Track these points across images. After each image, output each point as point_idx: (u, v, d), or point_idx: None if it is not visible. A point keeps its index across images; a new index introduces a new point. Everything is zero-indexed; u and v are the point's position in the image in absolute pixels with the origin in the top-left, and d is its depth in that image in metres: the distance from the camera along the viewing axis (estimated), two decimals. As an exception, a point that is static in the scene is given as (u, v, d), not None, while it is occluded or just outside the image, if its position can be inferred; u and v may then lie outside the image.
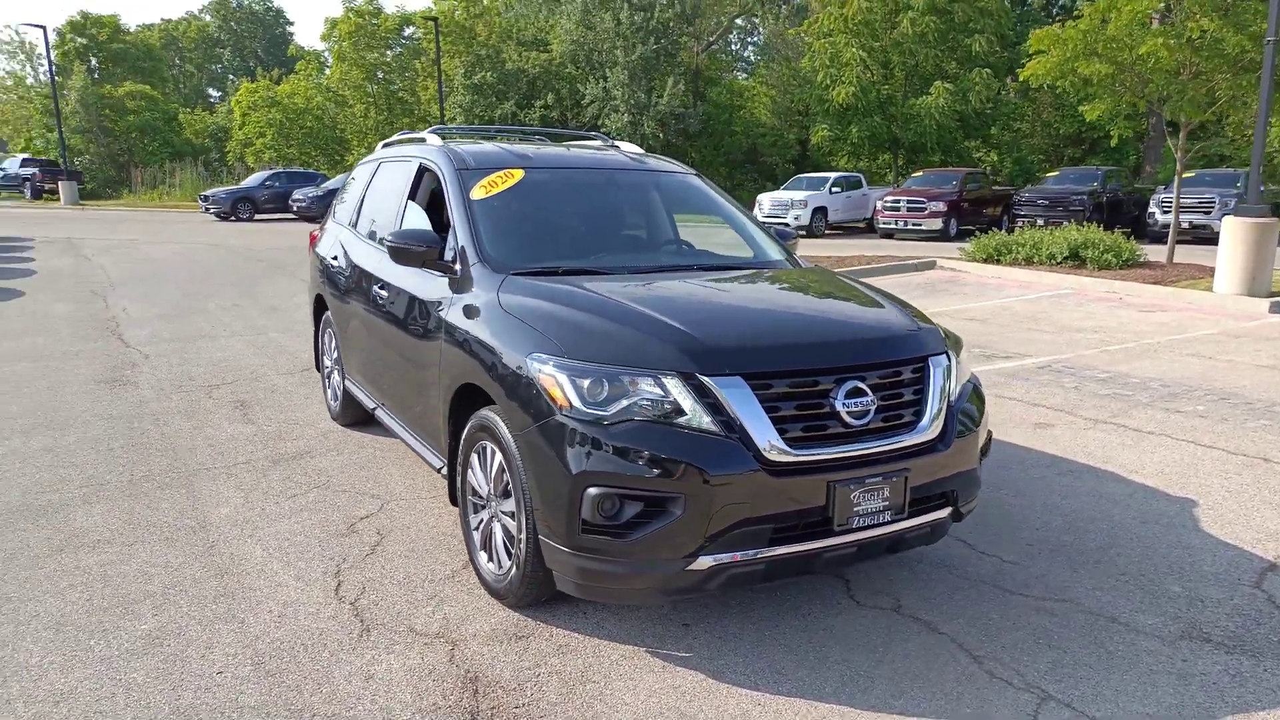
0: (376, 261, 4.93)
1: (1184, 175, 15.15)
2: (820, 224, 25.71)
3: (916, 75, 32.39)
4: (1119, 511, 4.73)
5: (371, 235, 5.24)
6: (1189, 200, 19.64)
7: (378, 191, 5.45)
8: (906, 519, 3.31)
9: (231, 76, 73.62)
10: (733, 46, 47.06)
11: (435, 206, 4.66)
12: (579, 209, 4.63)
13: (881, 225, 24.40)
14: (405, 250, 4.06)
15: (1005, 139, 34.35)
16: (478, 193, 4.32)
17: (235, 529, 4.32)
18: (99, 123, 44.72)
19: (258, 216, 30.27)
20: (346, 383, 5.69)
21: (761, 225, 4.94)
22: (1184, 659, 3.29)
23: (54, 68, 42.96)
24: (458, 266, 4.01)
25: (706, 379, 3.05)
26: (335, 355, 5.95)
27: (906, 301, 4.03)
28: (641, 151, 5.43)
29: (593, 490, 2.99)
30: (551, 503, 3.10)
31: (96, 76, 49.34)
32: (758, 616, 3.56)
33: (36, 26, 38.72)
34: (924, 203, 23.62)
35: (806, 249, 19.83)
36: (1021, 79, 15.47)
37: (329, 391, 6.22)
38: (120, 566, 3.88)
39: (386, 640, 3.32)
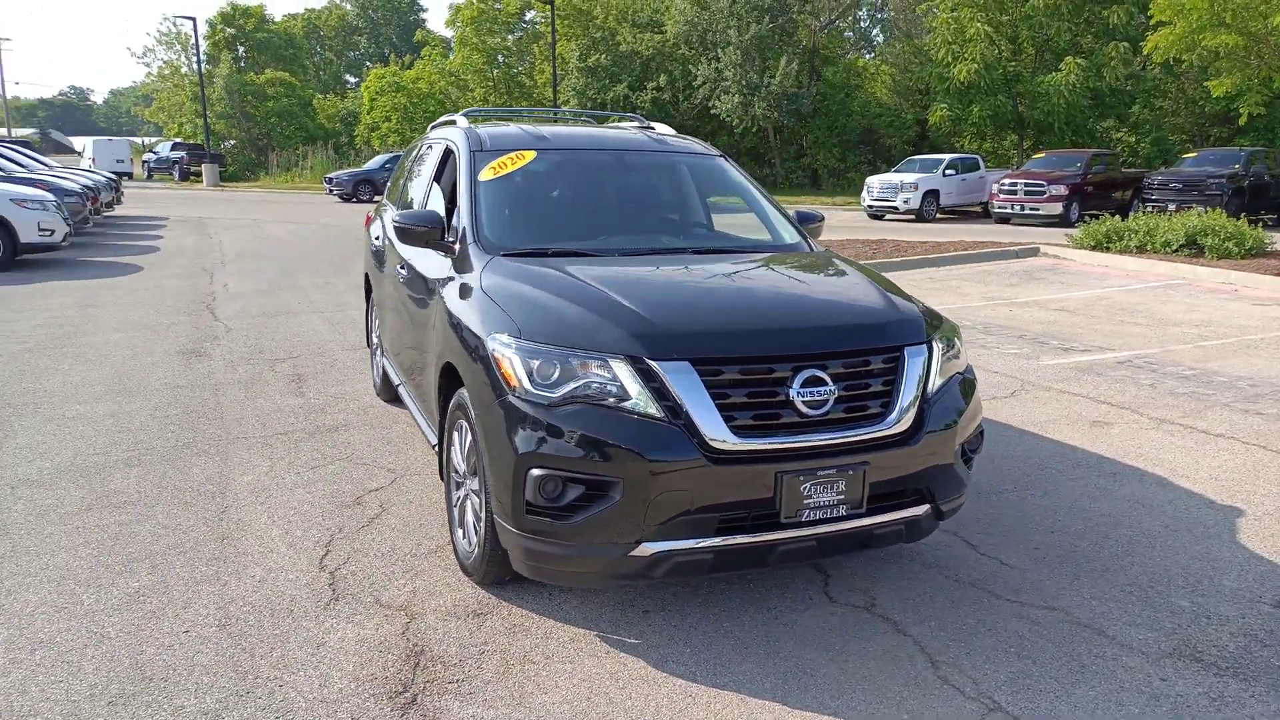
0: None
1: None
2: (931, 208, 24.83)
3: (1047, 50, 30.78)
4: (1149, 518, 4.42)
5: None
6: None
7: (416, 173, 5.60)
8: (868, 515, 3.19)
9: (368, 63, 76.58)
10: (862, 24, 45.56)
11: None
12: (587, 190, 4.64)
13: (997, 210, 23.36)
14: (408, 230, 4.16)
15: (1145, 118, 32.22)
16: (486, 174, 4.38)
17: (251, 496, 4.55)
18: (241, 109, 47.43)
19: (377, 198, 31.45)
20: (383, 360, 5.89)
21: (780, 208, 4.82)
22: (1163, 678, 3.06)
23: (204, 56, 45.72)
24: (458, 247, 4.09)
25: (654, 363, 3.01)
26: (377, 333, 6.16)
27: (904, 292, 3.86)
28: (672, 133, 5.37)
29: (536, 471, 3.00)
30: (501, 482, 3.14)
31: (242, 65, 52.25)
32: (721, 607, 3.51)
33: (187, 18, 41.10)
34: (1043, 186, 22.46)
35: (912, 234, 19.24)
36: (1145, 51, 14.49)
37: (375, 368, 6.45)
38: (134, 527, 4.15)
39: (350, 610, 3.44)
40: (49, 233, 12.80)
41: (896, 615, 3.47)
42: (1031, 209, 22.57)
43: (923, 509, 3.37)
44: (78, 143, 52.85)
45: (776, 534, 3.09)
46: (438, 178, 4.94)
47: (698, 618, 3.43)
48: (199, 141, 46.01)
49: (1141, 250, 13.78)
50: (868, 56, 42.95)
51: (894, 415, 3.21)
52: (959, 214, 26.06)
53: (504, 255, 3.88)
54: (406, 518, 4.31)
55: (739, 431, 3.01)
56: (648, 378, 3.00)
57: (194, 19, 40.76)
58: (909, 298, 3.80)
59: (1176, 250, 13.38)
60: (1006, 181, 23.33)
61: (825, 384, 3.11)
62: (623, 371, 3.01)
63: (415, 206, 5.13)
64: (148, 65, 69.75)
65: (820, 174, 37.05)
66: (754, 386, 3.07)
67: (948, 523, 4.24)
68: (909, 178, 25.03)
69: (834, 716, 2.86)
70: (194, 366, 7.22)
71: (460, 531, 3.75)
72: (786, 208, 5.05)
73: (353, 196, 31.23)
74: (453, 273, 4.02)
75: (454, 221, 4.24)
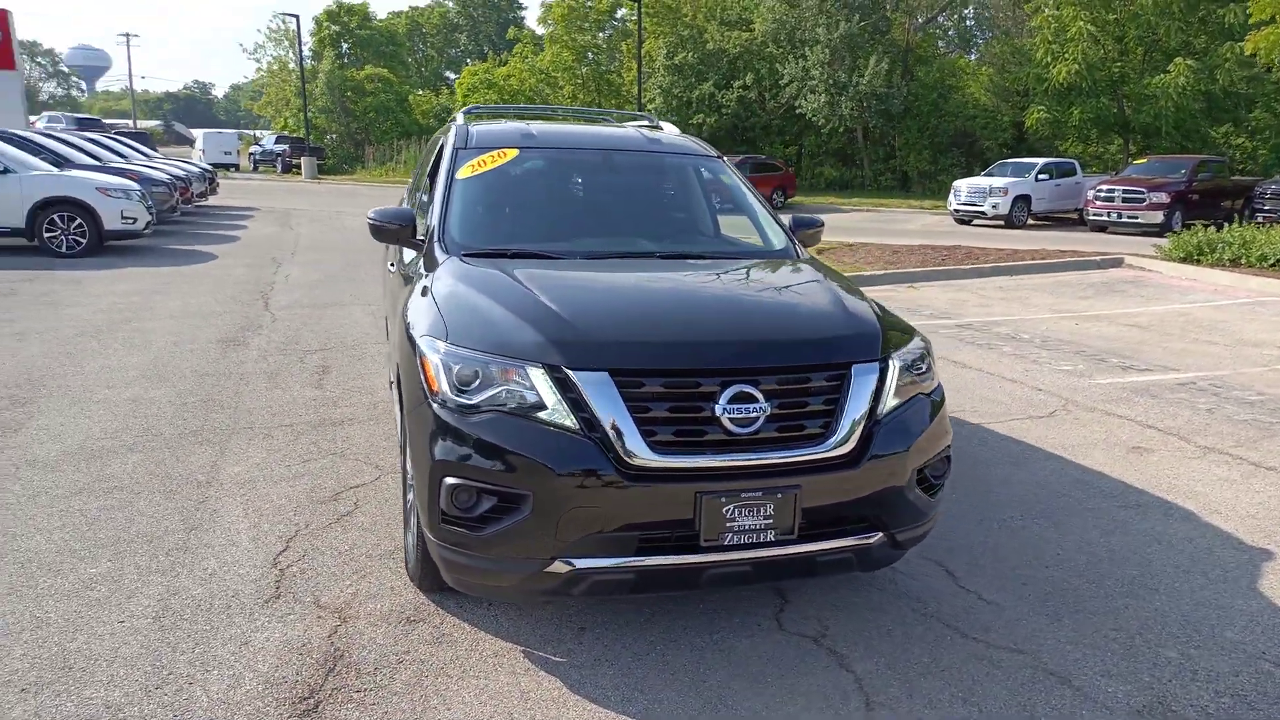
0: None
1: None
2: (1022, 214, 23.82)
3: (1156, 51, 29.22)
4: (1163, 557, 4.07)
5: None
6: None
7: (424, 170, 5.59)
8: (802, 541, 3.00)
9: (467, 60, 78.16)
10: (967, 22, 43.84)
11: None
12: (564, 189, 4.54)
13: (1092, 217, 22.25)
14: (380, 228, 4.14)
15: (1267, 123, 30.19)
16: (464, 171, 4.32)
17: (234, 487, 4.60)
18: (341, 103, 48.98)
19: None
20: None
21: (772, 213, 4.62)
22: (1120, 740, 2.78)
23: (308, 52, 47.35)
24: (425, 245, 4.04)
25: (571, 373, 2.89)
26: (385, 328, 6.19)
27: (875, 307, 3.62)
28: (675, 133, 5.22)
29: (449, 480, 2.92)
30: (421, 490, 3.07)
31: (345, 61, 53.94)
32: (662, 628, 3.36)
33: (291, 16, 42.68)
34: (1143, 193, 21.28)
35: (994, 241, 18.50)
36: (1247, 52, 13.56)
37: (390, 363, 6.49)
38: (114, 513, 4.23)
39: (285, 609, 3.42)
40: (132, 220, 13.39)
41: (844, 649, 3.27)
42: (1130, 217, 21.41)
43: (874, 537, 3.16)
44: (197, 135, 55.44)
45: (702, 557, 2.93)
46: (433, 175, 4.91)
47: (633, 638, 3.29)
48: (301, 135, 47.74)
49: (1235, 264, 12.91)
50: (971, 57, 41.43)
51: (835, 437, 3.01)
52: (1053, 221, 24.99)
53: (465, 255, 3.81)
54: (375, 517, 4.29)
55: (659, 448, 2.86)
56: (565, 387, 2.88)
57: (298, 16, 42.29)
58: (881, 313, 3.58)
59: (1274, 264, 12.48)
60: (1103, 188, 22.20)
61: (756, 401, 2.93)
62: (540, 380, 2.89)
63: (413, 203, 5.12)
64: (258, 61, 72.63)
65: (910, 176, 36.07)
66: (677, 401, 2.91)
67: (930, 551, 4.02)
68: (999, 182, 24.08)
69: (742, 756, 2.69)
70: (228, 355, 7.40)
71: (410, 536, 3.70)
72: (781, 213, 4.84)
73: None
74: (422, 270, 3.98)
75: (429, 219, 4.19)
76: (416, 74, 71.68)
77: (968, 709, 2.92)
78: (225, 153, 46.41)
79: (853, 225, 23.25)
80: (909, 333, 3.52)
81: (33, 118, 38.57)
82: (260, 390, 6.40)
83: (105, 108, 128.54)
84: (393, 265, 4.81)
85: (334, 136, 49.54)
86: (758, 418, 2.93)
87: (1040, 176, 24.44)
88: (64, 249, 12.85)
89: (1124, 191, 21.66)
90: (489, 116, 5.59)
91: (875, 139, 36.32)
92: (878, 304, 3.76)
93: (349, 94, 49.29)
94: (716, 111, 36.80)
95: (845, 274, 12.57)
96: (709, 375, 2.94)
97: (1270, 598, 3.71)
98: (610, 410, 2.84)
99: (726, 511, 2.88)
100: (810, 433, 3.01)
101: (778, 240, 4.45)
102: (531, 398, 2.89)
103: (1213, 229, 13.97)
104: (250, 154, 51.10)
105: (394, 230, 4.10)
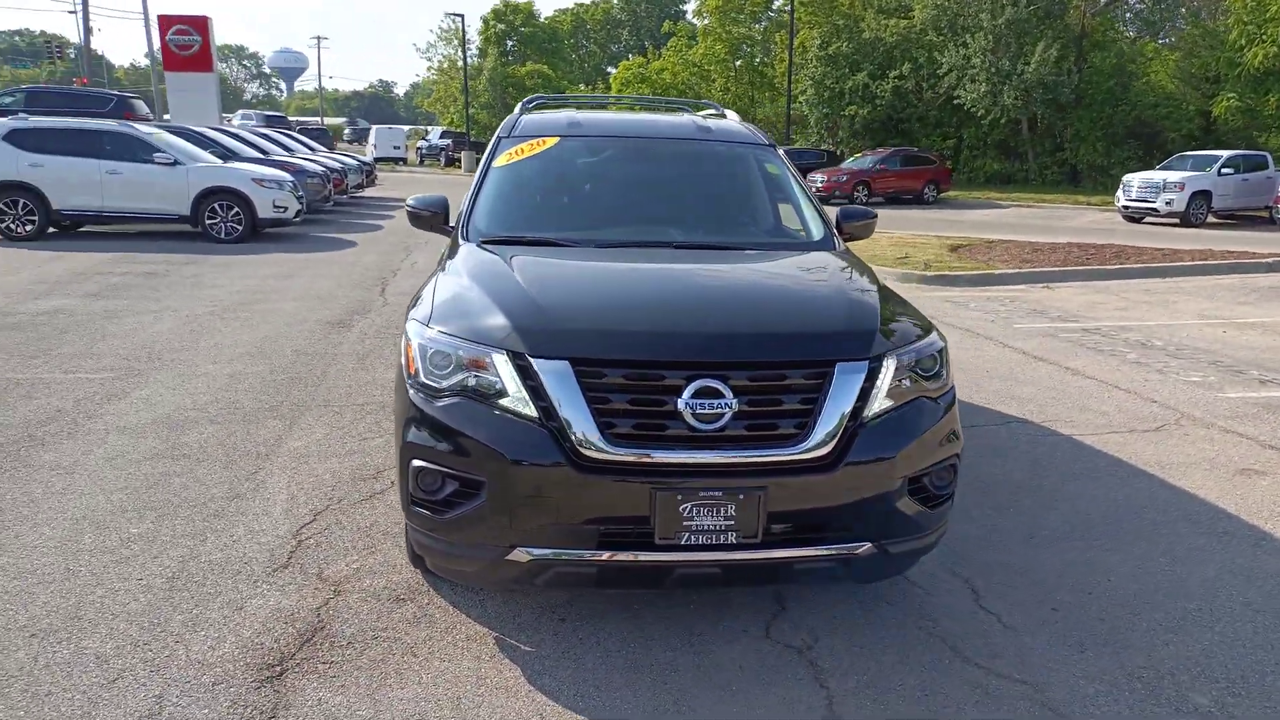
0: None
1: None
2: (1200, 211, 21.84)
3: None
4: (1234, 591, 3.65)
5: None
6: None
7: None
8: (769, 546, 2.85)
9: (629, 55, 79.23)
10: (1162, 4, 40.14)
11: None
12: (598, 177, 4.48)
13: (1280, 215, 20.21)
14: (416, 214, 4.24)
15: None
16: (501, 159, 4.36)
17: (289, 460, 4.83)
18: (502, 99, 50.73)
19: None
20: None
21: (815, 204, 4.40)
22: (1102, 791, 2.50)
23: (475, 50, 49.23)
24: (454, 231, 4.10)
25: (533, 360, 2.85)
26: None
27: (883, 302, 3.37)
28: (734, 121, 5.07)
29: (415, 463, 2.95)
30: (398, 471, 3.11)
31: (509, 59, 55.82)
32: (641, 627, 3.28)
33: (456, 16, 44.63)
34: (1343, 189, 19.13)
35: (1158, 240, 17.11)
36: None
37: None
38: (173, 479, 4.53)
39: (288, 579, 3.56)
40: (283, 209, 14.33)
41: (828, 663, 3.09)
42: (1325, 216, 19.30)
43: (862, 547, 2.96)
44: (370, 130, 58.90)
45: (665, 555, 2.84)
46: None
47: (609, 634, 3.23)
48: (464, 130, 49.75)
49: None
50: (1162, 41, 38.17)
51: (810, 439, 2.84)
52: (1238, 219, 22.82)
53: (483, 242, 3.84)
54: (406, 496, 4.39)
55: (617, 440, 2.78)
56: (526, 375, 2.84)
57: (462, 15, 44.08)
58: (895, 309, 3.35)
59: None
60: (1296, 183, 20.10)
61: (723, 396, 2.79)
62: (504, 367, 2.87)
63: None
64: (429, 60, 76.08)
65: (1079, 170, 33.78)
66: (639, 393, 2.82)
67: (963, 566, 3.77)
68: (1174, 176, 22.17)
69: (677, 764, 2.58)
70: (330, 336, 7.79)
71: (411, 517, 3.77)
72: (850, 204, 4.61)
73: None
74: (445, 255, 4.04)
75: (462, 206, 4.25)
76: (579, 70, 73.21)
77: (939, 739, 2.70)
78: (394, 147, 49.00)
79: (1005, 222, 22.04)
80: (924, 330, 3.27)
81: (227, 115, 42.04)
82: (346, 370, 6.70)
83: (300, 106, 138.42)
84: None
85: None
86: (723, 414, 2.80)
87: (1224, 171, 22.35)
88: (222, 235, 13.89)
89: (1321, 187, 19.53)
90: (552, 106, 5.62)
91: (1042, 130, 34.21)
92: (897, 300, 3.53)
93: (510, 90, 50.98)
94: (870, 102, 35.64)
95: (967, 273, 11.95)
96: (673, 368, 2.83)
97: (1351, 647, 3.24)
98: (568, 400, 2.79)
99: (684, 510, 2.77)
100: (784, 433, 2.85)
101: (817, 231, 4.25)
102: (495, 385, 2.87)
103: None
104: (417, 148, 53.73)
105: (427, 217, 4.19)
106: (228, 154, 16.32)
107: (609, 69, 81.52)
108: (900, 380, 3.02)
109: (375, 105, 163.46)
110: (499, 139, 4.52)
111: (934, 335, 3.28)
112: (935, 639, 3.26)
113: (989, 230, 18.94)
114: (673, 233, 4.09)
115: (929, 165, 28.69)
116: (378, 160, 40.30)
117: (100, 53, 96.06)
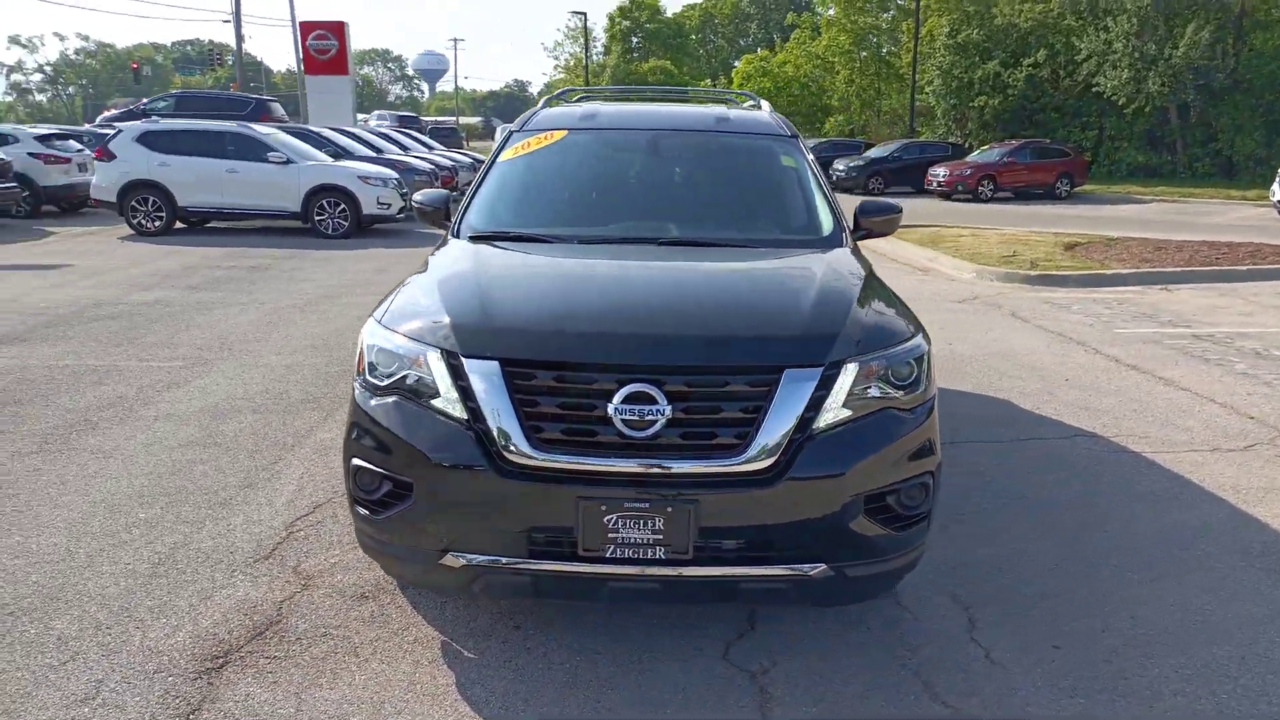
0: None
1: None
2: (1364, 207, 19.79)
3: None
4: (1273, 637, 3.21)
5: None
6: None
7: None
8: (702, 563, 2.67)
9: (757, 49, 78.37)
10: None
11: None
12: (600, 171, 4.35)
13: None
14: (421, 209, 4.22)
15: None
16: (507, 154, 4.30)
17: (311, 452, 4.92)
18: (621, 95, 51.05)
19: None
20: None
21: (829, 199, 4.12)
22: None
23: (600, 48, 49.74)
24: (450, 226, 4.06)
25: (465, 360, 2.76)
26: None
27: (860, 303, 3.10)
28: (765, 112, 4.83)
29: (354, 461, 2.92)
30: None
31: (634, 55, 56.17)
32: (594, 639, 3.14)
33: (579, 14, 45.16)
34: None
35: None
36: None
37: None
38: (196, 465, 4.68)
39: (264, 571, 3.59)
40: (386, 206, 14.80)
41: (778, 690, 2.87)
42: None
43: (815, 569, 2.74)
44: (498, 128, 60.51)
45: (591, 567, 2.70)
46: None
47: (558, 644, 3.11)
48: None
49: None
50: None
51: (749, 450, 2.64)
52: None
53: (470, 237, 3.79)
54: (408, 492, 4.39)
55: (544, 445, 2.66)
56: (457, 375, 2.76)
57: (584, 14, 44.63)
58: (881, 314, 3.10)
59: None
60: None
61: (655, 403, 2.63)
62: (437, 366, 2.79)
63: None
64: (556, 58, 77.44)
65: (1235, 162, 31.18)
66: (568, 396, 2.69)
67: (969, 592, 3.48)
68: (1339, 168, 20.18)
69: (580, 790, 2.45)
70: (395, 330, 7.94)
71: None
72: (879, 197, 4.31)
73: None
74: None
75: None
76: (706, 65, 72.92)
77: (874, 785, 2.46)
78: (519, 144, 50.10)
79: (1142, 218, 20.57)
80: (906, 334, 3.00)
81: (363, 115, 43.93)
82: (399, 364, 6.79)
83: (441, 106, 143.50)
84: None
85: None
86: (655, 421, 2.63)
87: (1398, 161, 20.15)
88: (330, 231, 14.47)
89: None
90: (584, 100, 5.51)
91: (1192, 119, 31.76)
92: (887, 301, 3.26)
93: (630, 85, 51.31)
94: (1001, 92, 33.93)
95: (1076, 273, 11.17)
96: (605, 371, 2.68)
97: (1406, 712, 2.79)
98: (494, 401, 2.69)
99: (608, 521, 2.63)
100: (723, 443, 2.67)
101: (826, 227, 3.98)
102: (430, 385, 2.81)
103: None
104: (542, 145, 54.72)
105: (430, 212, 4.17)
106: (341, 153, 16.99)
107: (735, 63, 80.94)
108: (863, 389, 2.78)
109: (510, 104, 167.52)
110: (510, 133, 4.46)
111: (916, 340, 3.01)
112: (908, 671, 2.99)
113: (1121, 227, 17.69)
114: (670, 228, 3.92)
115: (1063, 158, 27.10)
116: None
117: (259, 59, 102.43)
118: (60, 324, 7.91)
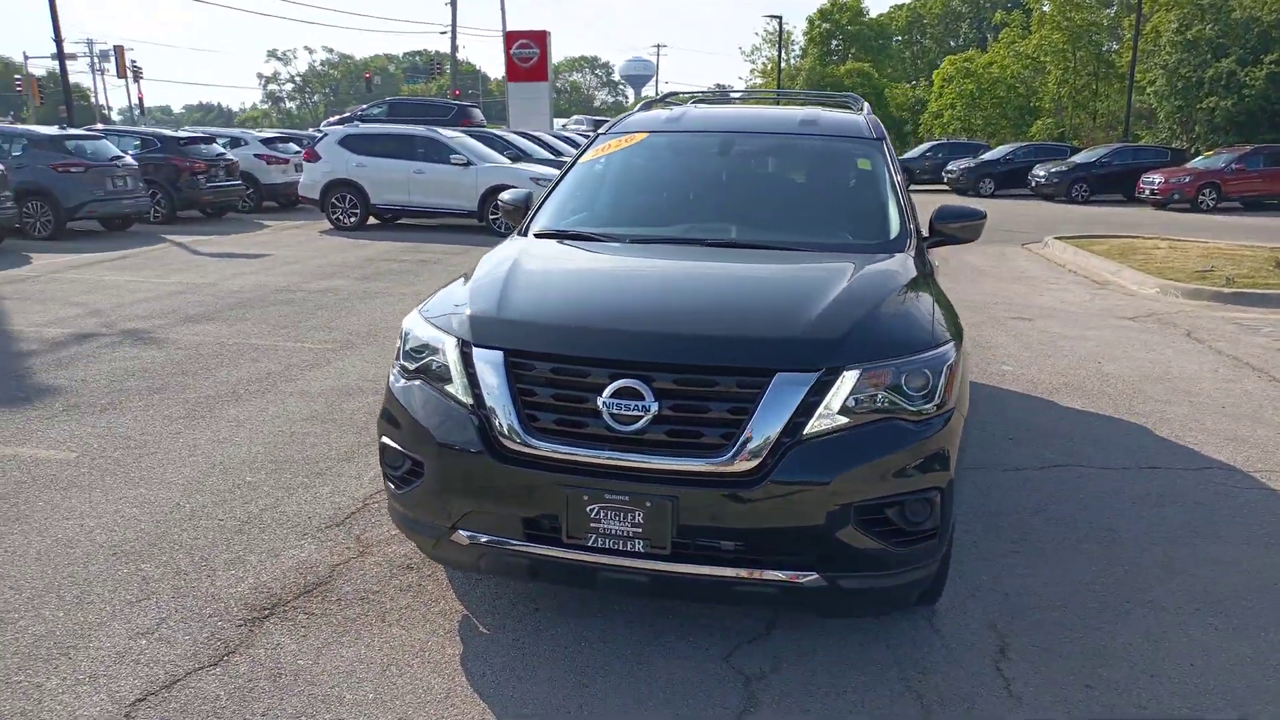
0: None
1: None
2: None
3: None
4: (1353, 707, 2.82)
5: None
6: None
7: None
8: (680, 560, 2.69)
9: (969, 48, 74.95)
10: None
11: None
12: (668, 173, 4.39)
13: None
14: (505, 208, 4.44)
15: None
16: (588, 155, 4.44)
17: (365, 419, 5.27)
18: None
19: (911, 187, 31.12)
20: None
21: (903, 203, 3.97)
22: None
23: (797, 52, 49.25)
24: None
25: (475, 349, 2.92)
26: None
27: (911, 313, 3.01)
28: (865, 114, 4.70)
29: (383, 439, 3.15)
30: (381, 448, 3.32)
31: (834, 58, 55.21)
32: (605, 629, 3.22)
33: (774, 18, 44.89)
34: None
35: None
36: None
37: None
38: (308, 438, 5.11)
39: (330, 536, 3.91)
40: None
41: (767, 697, 2.84)
42: None
43: (807, 577, 2.70)
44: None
45: (573, 555, 2.79)
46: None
47: (570, 630, 3.21)
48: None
49: None
50: None
51: (731, 450, 2.63)
52: None
53: (534, 235, 3.96)
54: (484, 475, 4.62)
55: (538, 434, 2.77)
56: (467, 363, 2.92)
57: (780, 17, 44.28)
58: (911, 321, 3.01)
59: None
60: None
61: (642, 397, 2.68)
62: (451, 353, 2.97)
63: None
64: (753, 62, 77.22)
65: None
66: (563, 388, 2.78)
67: (998, 619, 3.29)
68: None
69: (537, 767, 2.53)
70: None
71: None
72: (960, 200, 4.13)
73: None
74: None
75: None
76: (911, 66, 70.51)
77: (829, 802, 2.40)
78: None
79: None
80: (932, 344, 2.87)
81: (560, 120, 45.73)
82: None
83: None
84: None
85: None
86: (641, 416, 2.68)
87: None
88: (503, 229, 15.21)
89: None
90: (690, 102, 5.56)
91: None
92: (926, 308, 3.13)
93: (827, 89, 50.40)
94: (1236, 93, 30.78)
95: (1277, 292, 9.97)
96: (598, 365, 2.76)
97: None
98: (496, 389, 2.83)
99: (591, 510, 2.70)
100: (709, 442, 2.68)
101: (891, 232, 3.85)
102: (445, 371, 2.98)
103: None
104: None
105: (511, 211, 4.37)
106: (520, 155, 17.82)
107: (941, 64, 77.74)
108: (867, 396, 2.70)
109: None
110: (597, 135, 4.59)
111: (938, 350, 2.88)
112: (912, 694, 2.87)
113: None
114: (731, 230, 3.93)
115: (1303, 165, 24.23)
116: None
117: (478, 67, 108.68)
118: (243, 306, 8.83)
